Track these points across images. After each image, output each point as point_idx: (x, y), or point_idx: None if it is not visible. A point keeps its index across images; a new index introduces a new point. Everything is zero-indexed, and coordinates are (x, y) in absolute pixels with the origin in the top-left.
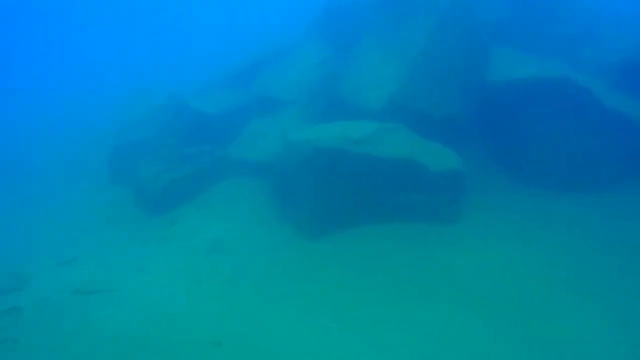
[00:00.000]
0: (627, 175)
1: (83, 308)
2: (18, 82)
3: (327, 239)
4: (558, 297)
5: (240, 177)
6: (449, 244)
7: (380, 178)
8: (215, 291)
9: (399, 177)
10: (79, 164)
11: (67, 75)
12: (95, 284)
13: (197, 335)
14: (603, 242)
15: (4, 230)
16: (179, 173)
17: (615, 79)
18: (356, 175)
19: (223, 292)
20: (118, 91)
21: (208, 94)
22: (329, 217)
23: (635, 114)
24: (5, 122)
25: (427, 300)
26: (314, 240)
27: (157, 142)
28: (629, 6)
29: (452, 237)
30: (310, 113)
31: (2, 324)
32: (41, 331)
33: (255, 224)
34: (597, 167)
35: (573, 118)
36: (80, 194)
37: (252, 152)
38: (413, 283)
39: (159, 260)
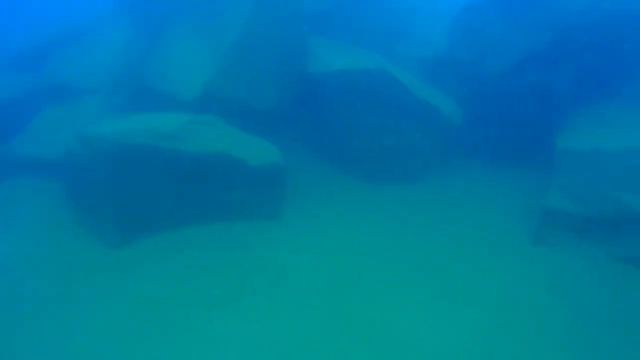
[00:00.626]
0: (438, 164)
1: None
2: None
3: (134, 246)
4: (381, 289)
5: (26, 177)
6: (271, 242)
7: (194, 176)
8: None
9: (215, 174)
10: None
11: None
12: None
13: None
14: (423, 232)
15: None
16: None
17: (427, 73)
18: (166, 174)
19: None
20: None
21: None
22: (135, 221)
23: (445, 107)
24: None
25: (248, 302)
26: (117, 249)
27: None
28: (443, 2)
29: (274, 234)
30: (113, 104)
31: None
32: None
33: (44, 232)
34: (413, 158)
35: (389, 110)
36: None
37: (41, 148)
38: (233, 287)
39: None
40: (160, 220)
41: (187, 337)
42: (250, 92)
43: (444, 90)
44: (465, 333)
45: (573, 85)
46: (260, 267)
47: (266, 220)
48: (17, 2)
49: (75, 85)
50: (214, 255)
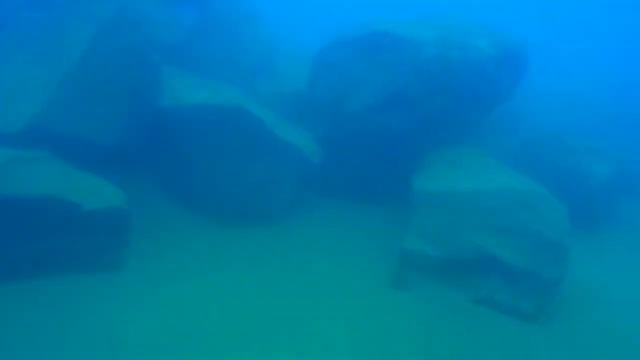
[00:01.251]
0: (298, 205)
1: None
2: None
3: None
4: (230, 346)
5: None
6: (106, 298)
7: (19, 223)
8: None
9: (45, 220)
10: None
11: None
12: None
13: None
14: (280, 279)
15: None
16: None
17: (288, 110)
18: None
19: None
20: None
21: None
22: None
23: (305, 145)
24: None
25: None
26: None
27: None
28: (306, 40)
29: (116, 288)
30: None
31: None
32: None
33: None
34: (272, 199)
35: (246, 149)
36: None
37: None
38: (63, 353)
39: None
40: None
41: None
42: (90, 125)
43: (305, 128)
44: None
45: (426, 129)
46: (91, 329)
47: (105, 272)
48: None
49: None
50: (44, 313)
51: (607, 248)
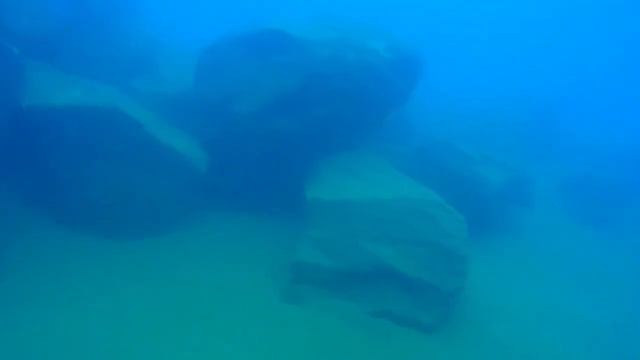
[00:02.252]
0: (182, 215)
1: None
2: None
3: None
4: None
5: None
6: None
7: None
8: None
9: None
10: None
11: None
12: None
13: None
14: (161, 295)
15: None
16: None
17: (171, 113)
18: None
19: None
20: None
21: None
22: None
23: (190, 152)
24: None
25: None
26: None
27: None
28: (188, 38)
29: None
30: None
31: None
32: None
33: None
34: (152, 209)
35: (124, 155)
36: None
37: None
38: None
39: None
40: None
41: None
42: None
43: (190, 132)
44: None
45: (320, 134)
46: None
47: None
48: None
49: None
50: None
51: (499, 254)
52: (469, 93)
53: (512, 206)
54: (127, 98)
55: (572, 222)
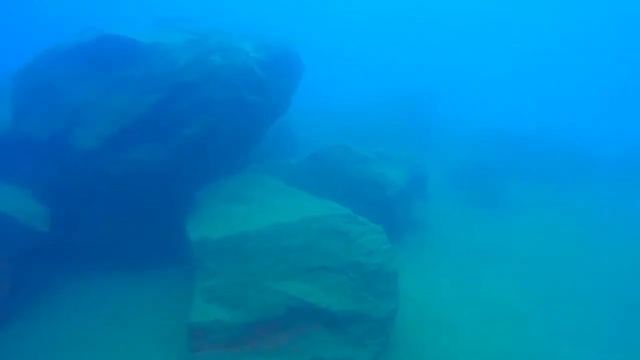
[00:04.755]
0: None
1: None
2: None
3: None
4: None
5: None
6: None
7: None
8: None
9: None
10: None
11: None
12: None
13: None
14: None
15: None
16: None
17: None
18: None
19: None
20: None
21: None
22: None
23: (20, 210)
24: None
25: None
26: None
27: None
28: None
29: None
30: None
31: None
32: None
33: None
34: None
35: None
36: None
37: None
38: None
39: None
40: None
41: None
42: None
43: (17, 183)
44: None
45: (194, 158)
46: None
47: None
48: None
49: None
50: None
51: (416, 256)
52: (344, 92)
53: (414, 202)
54: None
55: (468, 207)
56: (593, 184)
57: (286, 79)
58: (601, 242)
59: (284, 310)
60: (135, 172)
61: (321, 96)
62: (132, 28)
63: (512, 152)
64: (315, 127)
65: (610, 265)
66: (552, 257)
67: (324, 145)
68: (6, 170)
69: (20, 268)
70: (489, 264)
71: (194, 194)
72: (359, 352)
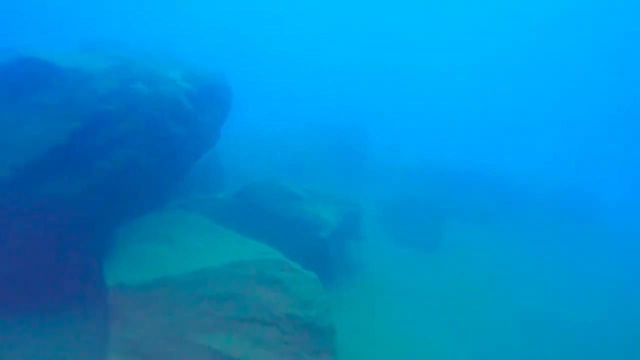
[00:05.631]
0: None
1: None
2: None
3: None
4: None
5: None
6: None
7: None
8: None
9: None
10: None
11: None
12: None
13: None
14: None
15: None
16: None
17: None
18: None
19: None
20: None
21: None
22: None
23: None
24: None
25: None
26: None
27: None
28: None
29: None
30: None
31: None
32: None
33: None
34: None
35: None
36: None
37: None
38: None
39: None
40: None
41: None
42: None
43: None
44: None
45: (113, 193)
46: None
47: None
48: None
49: None
50: None
51: (351, 303)
52: (271, 119)
53: (348, 241)
54: None
55: (402, 247)
56: (528, 223)
57: (215, 111)
58: (533, 284)
59: None
60: (49, 207)
61: (247, 122)
62: (55, 50)
63: (447, 188)
64: (242, 157)
65: (543, 308)
66: (485, 301)
67: (253, 180)
68: None
69: None
70: (424, 309)
71: (112, 231)
72: None
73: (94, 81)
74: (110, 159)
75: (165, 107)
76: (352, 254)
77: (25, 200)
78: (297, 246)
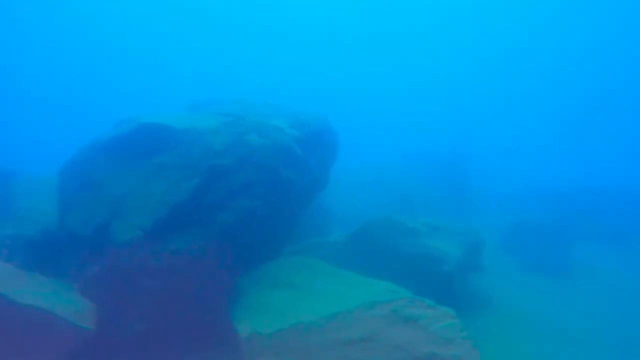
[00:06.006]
0: None
1: None
2: None
3: None
4: None
5: None
6: None
7: None
8: None
9: None
10: None
11: None
12: None
13: None
14: None
15: None
16: None
17: (34, 259)
18: None
19: None
20: None
21: None
22: None
23: (66, 309)
24: None
25: None
26: None
27: None
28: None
29: None
30: None
31: None
32: None
33: None
34: None
35: None
36: None
37: None
38: None
39: None
40: None
41: None
42: None
43: (61, 277)
44: None
45: (235, 244)
46: None
47: None
48: None
49: None
50: None
51: (488, 340)
52: (362, 155)
53: (471, 274)
54: None
55: (527, 276)
56: None
57: (323, 154)
58: None
59: None
60: (175, 262)
61: (342, 160)
62: (167, 114)
63: (570, 209)
64: (345, 198)
65: None
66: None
67: (368, 219)
68: (52, 265)
69: None
70: (564, 345)
71: (236, 281)
72: None
73: (208, 137)
74: (229, 211)
75: (277, 154)
76: (477, 286)
77: (153, 257)
78: (421, 282)
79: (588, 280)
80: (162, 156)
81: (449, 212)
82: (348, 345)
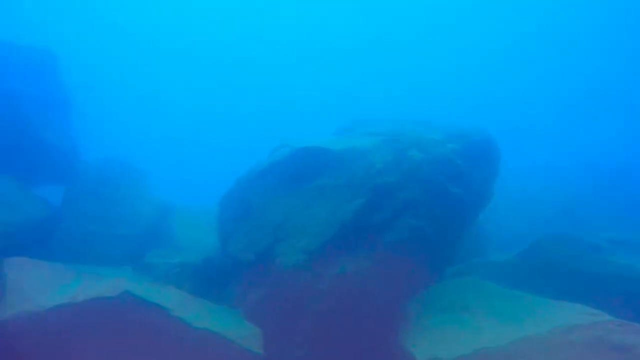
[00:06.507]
0: None
1: None
2: None
3: None
4: None
5: None
6: None
7: None
8: None
9: None
10: None
11: None
12: None
13: None
14: None
15: None
16: None
17: (198, 285)
18: None
19: None
20: None
21: None
22: None
23: (237, 333)
24: None
25: None
26: None
27: None
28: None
29: None
30: None
31: None
32: None
33: None
34: None
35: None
36: None
37: None
38: None
39: None
40: None
41: None
42: None
43: (225, 303)
44: None
45: (400, 266)
46: None
47: None
48: None
49: None
50: None
51: None
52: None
53: None
54: (142, 278)
55: None
56: None
57: (484, 166)
58: None
59: None
60: (340, 285)
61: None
62: (319, 139)
63: None
64: (496, 213)
65: None
66: None
67: (541, 235)
68: (216, 291)
69: None
70: None
71: (403, 305)
72: None
73: (368, 156)
74: (396, 231)
75: (440, 168)
76: None
77: (317, 280)
78: (606, 304)
79: None
80: (321, 179)
81: (622, 227)
82: None
